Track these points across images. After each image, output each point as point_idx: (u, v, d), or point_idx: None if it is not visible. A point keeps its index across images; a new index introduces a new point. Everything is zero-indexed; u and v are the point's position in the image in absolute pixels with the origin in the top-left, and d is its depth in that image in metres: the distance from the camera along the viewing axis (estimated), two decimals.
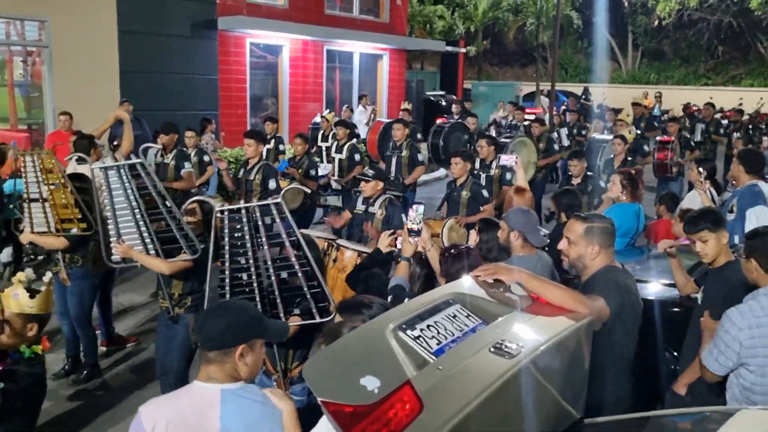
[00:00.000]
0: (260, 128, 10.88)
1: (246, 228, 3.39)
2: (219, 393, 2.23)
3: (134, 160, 4.07)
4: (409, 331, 2.02)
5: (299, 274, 3.38)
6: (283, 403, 2.33)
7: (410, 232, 3.52)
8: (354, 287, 4.38)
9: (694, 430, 2.19)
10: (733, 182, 5.95)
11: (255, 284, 3.42)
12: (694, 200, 6.38)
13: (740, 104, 20.22)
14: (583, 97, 23.82)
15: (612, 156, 8.50)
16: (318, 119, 13.61)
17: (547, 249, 4.31)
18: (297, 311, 3.45)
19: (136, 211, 4.06)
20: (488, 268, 2.51)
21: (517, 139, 9.62)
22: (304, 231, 5.83)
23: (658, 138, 10.26)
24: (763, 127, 18.40)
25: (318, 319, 3.42)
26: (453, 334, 2.10)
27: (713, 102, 13.90)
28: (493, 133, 12.63)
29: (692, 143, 11.15)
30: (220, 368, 2.24)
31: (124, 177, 4.00)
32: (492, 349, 2.00)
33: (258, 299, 3.42)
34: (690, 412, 2.37)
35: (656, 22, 34.20)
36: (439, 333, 2.07)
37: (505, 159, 6.37)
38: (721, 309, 3.14)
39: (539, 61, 34.53)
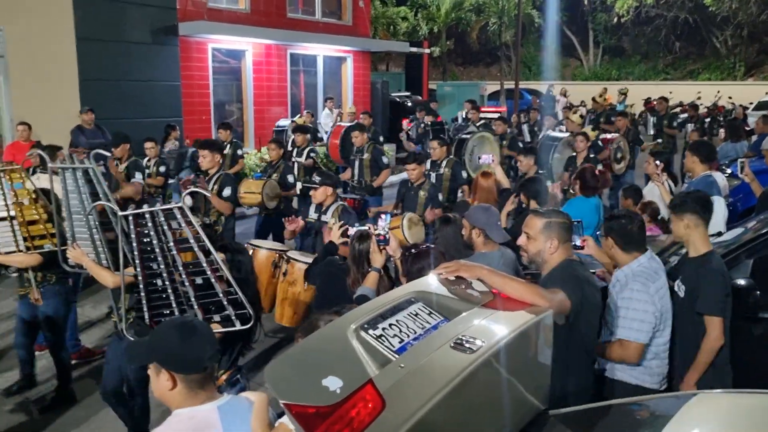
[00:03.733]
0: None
1: (152, 233, 3.23)
2: (216, 411, 2.21)
3: (87, 165, 3.95)
4: (371, 331, 2.03)
5: (212, 280, 3.24)
6: (255, 395, 2.39)
7: (378, 241, 3.57)
8: (312, 282, 4.45)
9: (654, 415, 2.24)
10: (690, 174, 6.09)
11: (170, 290, 3.29)
12: (653, 193, 6.52)
13: (698, 98, 20.69)
14: (552, 95, 24.22)
15: (574, 153, 8.60)
16: (283, 122, 13.58)
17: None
18: (217, 318, 3.33)
19: (90, 217, 3.92)
20: (449, 266, 2.53)
21: (477, 134, 9.69)
22: (254, 241, 5.82)
23: (601, 136, 10.39)
24: (721, 119, 18.88)
25: (238, 327, 3.26)
26: (415, 332, 2.11)
27: (668, 96, 14.18)
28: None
29: (640, 138, 11.36)
30: (212, 386, 2.25)
31: (79, 181, 3.89)
32: (453, 345, 2.02)
33: (174, 305, 3.29)
34: (649, 398, 2.43)
35: (615, 19, 34.84)
36: (401, 331, 2.09)
37: (485, 158, 6.51)
38: (708, 302, 3.29)
39: (503, 60, 34.91)
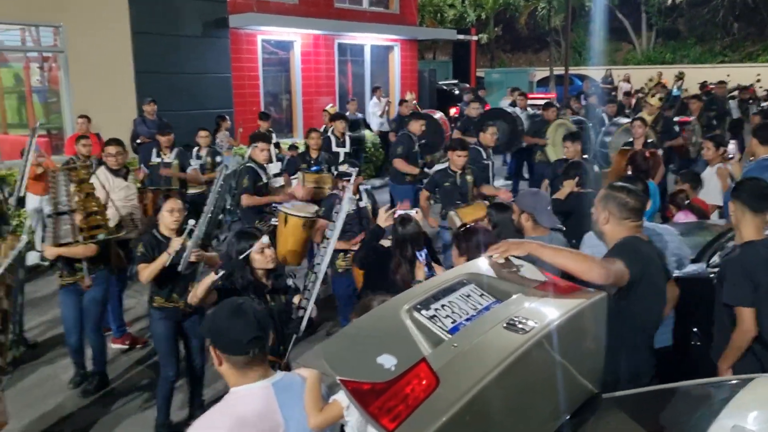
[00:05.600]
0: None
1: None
2: (271, 388, 2.28)
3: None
4: (423, 311, 2.07)
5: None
6: (307, 372, 2.45)
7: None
8: (359, 266, 4.56)
9: (712, 398, 2.21)
10: (751, 158, 5.91)
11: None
12: (711, 179, 6.36)
13: (758, 80, 19.94)
14: (610, 80, 23.77)
15: (632, 139, 8.43)
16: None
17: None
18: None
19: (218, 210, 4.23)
20: (499, 246, 2.54)
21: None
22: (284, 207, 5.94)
23: (676, 119, 10.12)
24: None
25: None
26: (467, 313, 2.14)
27: (726, 79, 13.76)
28: None
29: (713, 122, 11.03)
30: (266, 364, 2.31)
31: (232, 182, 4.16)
32: (506, 326, 2.04)
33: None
34: (706, 382, 2.39)
35: (670, 1, 33.74)
36: (453, 312, 2.12)
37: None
38: (729, 292, 3.19)
39: (552, 45, 34.20)
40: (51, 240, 4.85)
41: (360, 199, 5.63)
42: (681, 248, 4.09)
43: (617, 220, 3.07)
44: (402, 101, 13.36)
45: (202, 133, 8.59)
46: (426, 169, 9.06)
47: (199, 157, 8.38)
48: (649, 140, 8.36)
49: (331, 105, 13.42)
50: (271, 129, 10.85)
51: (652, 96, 13.89)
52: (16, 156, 8.36)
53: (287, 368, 3.92)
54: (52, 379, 5.45)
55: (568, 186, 5.59)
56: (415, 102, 13.82)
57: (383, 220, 4.38)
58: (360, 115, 13.73)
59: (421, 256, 3.88)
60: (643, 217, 3.18)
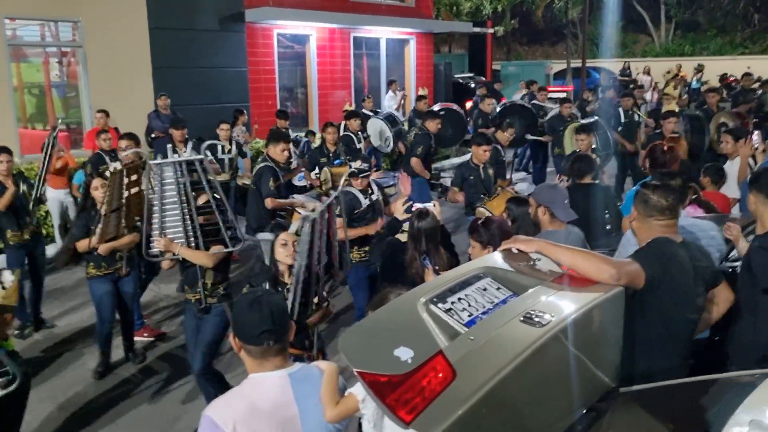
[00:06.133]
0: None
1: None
2: (287, 378, 2.30)
3: (194, 156, 4.18)
4: (440, 304, 2.08)
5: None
6: (325, 365, 2.47)
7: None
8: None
9: (731, 392, 2.19)
10: None
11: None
12: (731, 173, 6.29)
13: None
14: (628, 72, 23.55)
15: (658, 131, 8.37)
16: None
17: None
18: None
19: (184, 205, 4.17)
20: (508, 242, 2.55)
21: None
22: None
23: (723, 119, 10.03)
24: None
25: None
26: (484, 306, 2.14)
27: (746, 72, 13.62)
28: None
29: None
30: (284, 355, 2.33)
31: (180, 173, 4.11)
32: (522, 319, 2.04)
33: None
34: (724, 376, 2.37)
35: None
36: (470, 305, 2.13)
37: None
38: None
39: (569, 38, 33.89)
40: (99, 236, 4.97)
41: (372, 193, 5.60)
42: (721, 242, 4.02)
43: (642, 217, 3.00)
44: (420, 97, 13.29)
45: (224, 126, 8.63)
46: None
47: (228, 152, 8.44)
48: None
49: (348, 104, 13.42)
50: (287, 127, 10.88)
51: (674, 88, 13.77)
52: (36, 150, 8.45)
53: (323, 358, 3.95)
54: (74, 369, 5.52)
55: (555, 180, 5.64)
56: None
57: (400, 213, 4.38)
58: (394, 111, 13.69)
59: (427, 262, 3.85)
60: (675, 216, 3.03)
